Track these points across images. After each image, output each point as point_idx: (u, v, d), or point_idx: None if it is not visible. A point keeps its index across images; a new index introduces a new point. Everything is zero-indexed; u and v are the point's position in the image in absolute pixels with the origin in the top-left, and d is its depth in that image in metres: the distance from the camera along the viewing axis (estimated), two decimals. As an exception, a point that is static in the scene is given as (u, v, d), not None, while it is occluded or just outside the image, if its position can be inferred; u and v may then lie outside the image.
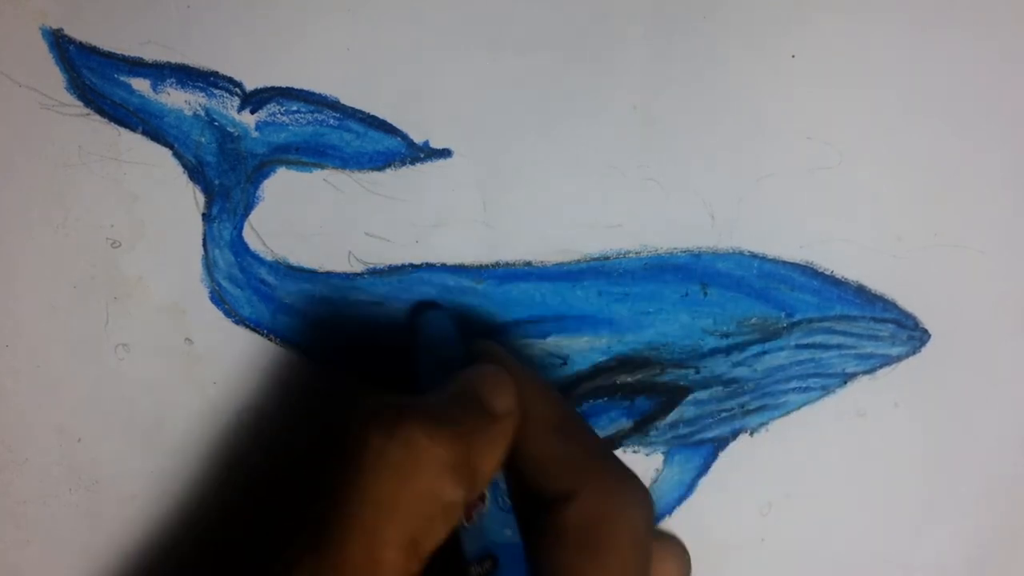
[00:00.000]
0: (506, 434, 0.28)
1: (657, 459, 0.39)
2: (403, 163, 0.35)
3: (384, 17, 0.34)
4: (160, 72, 0.33)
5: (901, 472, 0.40)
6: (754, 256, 0.37)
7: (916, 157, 0.36)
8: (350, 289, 0.36)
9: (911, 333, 0.38)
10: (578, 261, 0.36)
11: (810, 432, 0.39)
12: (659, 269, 0.37)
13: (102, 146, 0.34)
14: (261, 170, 0.35)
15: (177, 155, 0.34)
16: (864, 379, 0.39)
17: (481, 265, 0.36)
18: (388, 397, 0.27)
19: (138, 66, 0.33)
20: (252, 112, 0.34)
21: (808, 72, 0.35)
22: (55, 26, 0.32)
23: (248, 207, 0.35)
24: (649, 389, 0.38)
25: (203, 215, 0.35)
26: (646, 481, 0.39)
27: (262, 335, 0.36)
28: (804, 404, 0.39)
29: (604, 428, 0.38)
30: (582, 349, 0.37)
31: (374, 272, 0.36)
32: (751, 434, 0.39)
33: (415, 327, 0.35)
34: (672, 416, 0.38)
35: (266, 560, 0.26)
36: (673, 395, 0.38)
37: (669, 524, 0.40)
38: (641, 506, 0.29)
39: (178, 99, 0.34)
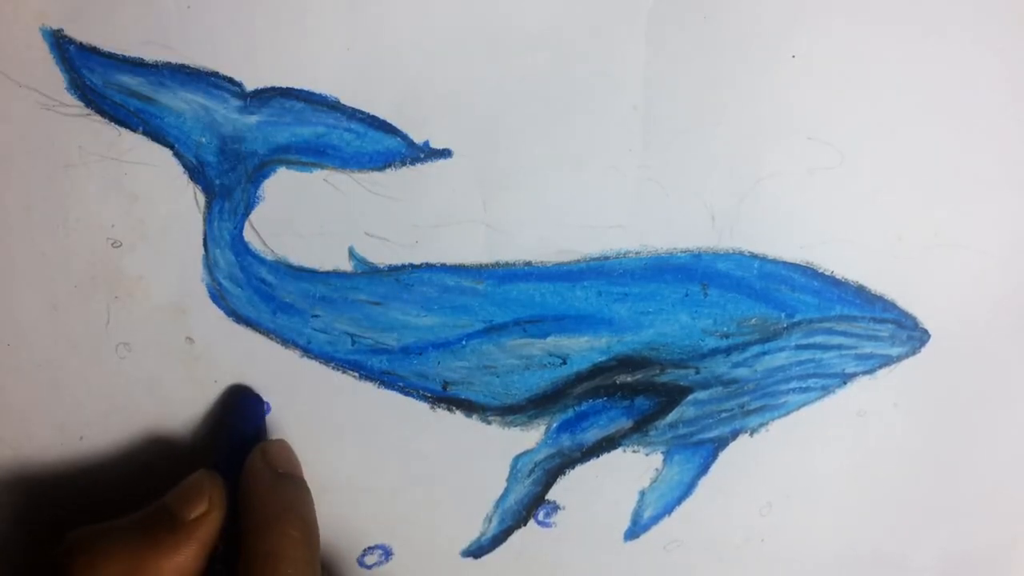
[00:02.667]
0: (195, 537, 0.32)
1: (657, 459, 0.39)
2: (403, 163, 0.35)
3: (384, 17, 0.34)
4: (160, 72, 0.33)
5: (901, 472, 0.40)
6: (754, 256, 0.37)
7: (916, 157, 0.36)
8: (350, 289, 0.36)
9: (911, 333, 0.38)
10: (578, 261, 0.36)
11: (810, 432, 0.39)
12: (659, 269, 0.37)
13: (102, 146, 0.34)
14: (261, 170, 0.35)
15: (178, 155, 0.34)
16: (864, 379, 0.39)
17: (481, 265, 0.36)
18: (88, 529, 0.32)
19: (138, 66, 0.33)
20: (252, 112, 0.34)
21: (808, 72, 0.35)
22: (55, 26, 0.32)
23: (248, 207, 0.35)
24: (649, 389, 0.38)
25: (204, 215, 0.35)
26: (646, 481, 0.39)
27: (262, 335, 0.36)
28: (804, 404, 0.39)
29: (604, 428, 0.38)
30: (582, 349, 0.37)
31: (374, 272, 0.36)
32: (751, 434, 0.39)
33: (228, 405, 0.37)
34: (672, 416, 0.38)
35: None
36: (673, 395, 0.38)
37: (669, 524, 0.40)
38: None
39: (178, 99, 0.34)
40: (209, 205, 0.35)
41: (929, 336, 0.38)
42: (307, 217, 0.35)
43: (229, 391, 0.37)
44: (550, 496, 0.39)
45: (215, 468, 0.35)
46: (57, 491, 0.37)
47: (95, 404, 0.36)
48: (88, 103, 0.33)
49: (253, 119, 0.34)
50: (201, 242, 0.35)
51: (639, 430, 0.39)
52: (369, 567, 0.40)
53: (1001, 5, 0.35)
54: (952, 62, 0.35)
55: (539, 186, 0.36)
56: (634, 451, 0.39)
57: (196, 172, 0.34)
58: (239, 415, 0.37)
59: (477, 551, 0.40)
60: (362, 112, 0.34)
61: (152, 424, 0.37)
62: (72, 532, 0.32)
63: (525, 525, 0.40)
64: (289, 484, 0.35)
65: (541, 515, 0.40)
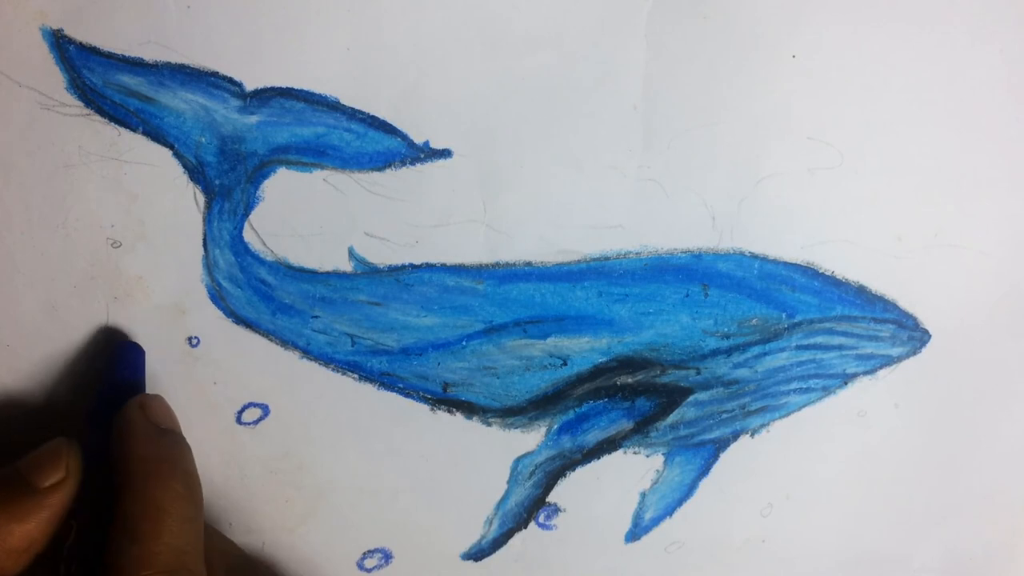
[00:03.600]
0: (47, 504, 0.30)
1: (658, 460, 0.39)
2: (403, 163, 0.35)
3: (384, 17, 0.34)
4: (160, 72, 0.33)
5: (901, 472, 0.40)
6: (755, 257, 0.37)
7: (916, 157, 0.36)
8: (350, 289, 0.36)
9: (911, 333, 0.38)
10: (578, 261, 0.36)
11: (811, 433, 0.39)
12: (659, 269, 0.37)
13: (102, 146, 0.34)
14: (261, 170, 0.35)
15: (177, 155, 0.34)
16: (865, 380, 0.39)
17: (481, 265, 0.36)
18: None
19: (138, 66, 0.33)
20: (252, 112, 0.34)
21: (808, 72, 0.35)
22: (55, 26, 0.32)
23: (248, 207, 0.35)
24: (650, 390, 0.38)
25: (203, 215, 0.35)
26: (647, 483, 0.39)
27: (262, 335, 0.36)
28: (805, 405, 0.39)
29: (605, 429, 0.38)
30: (582, 350, 0.37)
31: (374, 272, 0.36)
32: (752, 435, 0.39)
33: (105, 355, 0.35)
34: (673, 417, 0.38)
35: None
36: (674, 396, 0.38)
37: (670, 525, 0.40)
38: None
39: (178, 99, 0.34)
40: (209, 205, 0.35)
41: (930, 336, 0.38)
42: (307, 217, 0.35)
43: (109, 343, 0.35)
44: (551, 498, 0.39)
45: (86, 418, 0.33)
46: None
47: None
48: (88, 103, 0.33)
49: (253, 119, 0.34)
50: (201, 242, 0.35)
51: (640, 431, 0.39)
52: (369, 570, 0.40)
53: (1001, 5, 0.35)
54: (952, 62, 0.35)
55: (539, 186, 0.36)
56: (635, 452, 0.39)
57: (196, 172, 0.34)
58: (116, 364, 0.35)
59: (477, 554, 0.40)
60: (362, 112, 0.34)
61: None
62: None
63: (526, 527, 0.40)
64: (171, 439, 0.33)
65: (542, 517, 0.40)
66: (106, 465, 0.32)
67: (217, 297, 0.36)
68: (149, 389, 0.36)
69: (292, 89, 0.34)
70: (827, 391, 0.39)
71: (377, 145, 0.35)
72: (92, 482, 0.31)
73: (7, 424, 0.36)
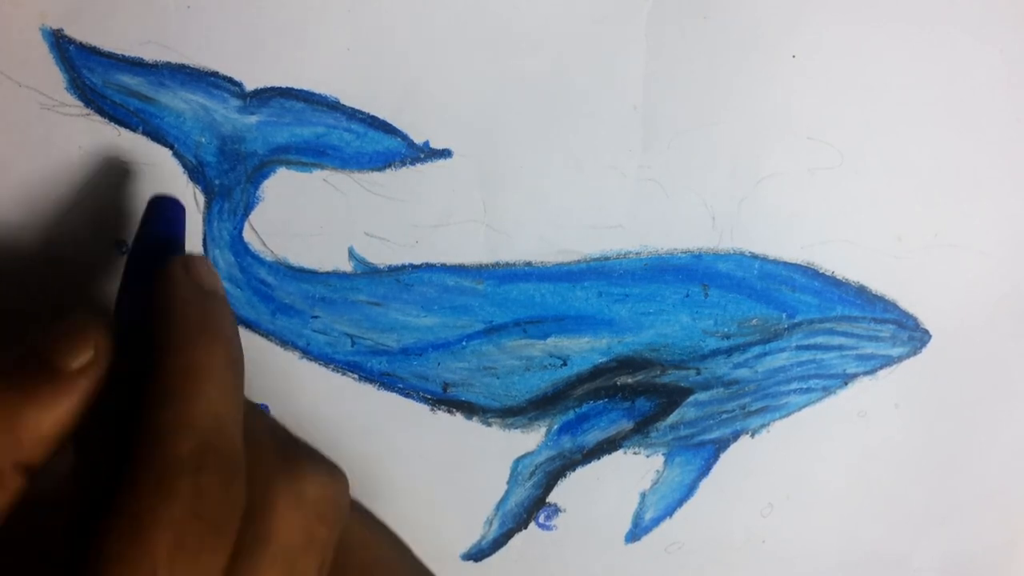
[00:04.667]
0: (79, 388, 0.26)
1: (658, 460, 0.39)
2: (403, 163, 0.35)
3: (384, 17, 0.34)
4: (160, 72, 0.33)
5: (901, 472, 0.40)
6: (755, 257, 0.37)
7: (916, 157, 0.36)
8: (350, 290, 0.36)
9: (912, 333, 0.38)
10: (578, 261, 0.36)
11: (811, 433, 0.39)
12: (660, 270, 0.37)
13: (102, 146, 0.34)
14: (261, 170, 0.35)
15: (177, 155, 0.34)
16: (865, 380, 0.39)
17: (481, 265, 0.36)
18: None
19: (138, 66, 0.33)
20: (252, 112, 0.34)
21: (808, 72, 0.35)
22: (55, 26, 0.32)
23: (248, 207, 0.35)
24: (650, 390, 0.38)
25: (203, 215, 0.35)
26: (647, 483, 0.39)
27: (262, 335, 0.36)
28: (805, 405, 0.39)
29: (605, 429, 0.38)
30: (582, 350, 0.37)
31: (374, 272, 0.36)
32: (752, 435, 0.39)
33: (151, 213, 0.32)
34: (673, 417, 0.38)
35: None
36: (674, 396, 0.38)
37: (670, 525, 0.40)
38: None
39: (178, 99, 0.34)
40: (208, 205, 0.35)
41: (930, 336, 0.38)
42: (307, 217, 0.35)
43: (149, 201, 0.32)
44: (551, 498, 0.39)
45: (125, 279, 0.30)
46: None
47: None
48: (88, 103, 0.33)
49: (253, 119, 0.34)
50: (200, 242, 0.35)
51: (640, 431, 0.38)
52: (369, 570, 0.40)
53: (1001, 5, 0.35)
54: (952, 62, 0.35)
55: (539, 186, 0.36)
56: (635, 453, 0.39)
57: (196, 172, 0.34)
58: (156, 219, 0.31)
59: (477, 554, 0.40)
60: (362, 112, 0.34)
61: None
62: None
63: (526, 528, 0.40)
64: (215, 301, 0.29)
65: (542, 518, 0.40)
66: (141, 327, 0.28)
67: (217, 297, 0.36)
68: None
69: (292, 89, 0.34)
70: (827, 391, 0.39)
71: (377, 145, 0.35)
72: (125, 347, 0.28)
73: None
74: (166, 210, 0.31)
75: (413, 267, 0.36)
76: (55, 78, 0.33)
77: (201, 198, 0.35)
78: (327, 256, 0.36)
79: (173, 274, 0.29)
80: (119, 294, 0.29)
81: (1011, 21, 0.35)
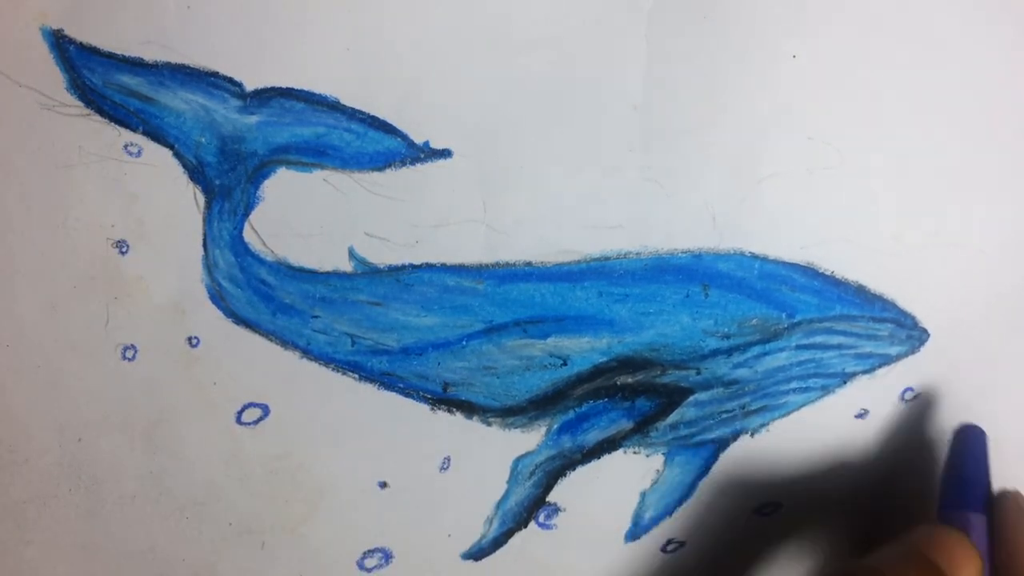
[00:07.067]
0: None
1: (658, 460, 0.39)
2: (403, 163, 0.35)
3: (384, 17, 0.34)
4: (160, 72, 0.33)
5: (901, 472, 0.40)
6: (755, 257, 0.37)
7: (916, 157, 0.36)
8: (350, 290, 0.36)
9: (910, 332, 0.38)
10: (578, 261, 0.36)
11: (810, 432, 0.39)
12: (660, 270, 0.37)
13: (102, 146, 0.34)
14: (261, 170, 0.35)
15: (177, 155, 0.34)
16: (864, 379, 0.39)
17: (481, 265, 0.36)
18: (854, 562, 0.31)
19: (138, 66, 0.33)
20: (252, 112, 0.34)
21: (808, 72, 0.35)
22: (55, 26, 0.32)
23: (248, 207, 0.35)
24: (650, 390, 0.38)
25: (203, 215, 0.35)
26: (647, 482, 0.39)
27: (262, 335, 0.36)
28: (804, 404, 0.39)
29: (605, 429, 0.38)
30: (582, 350, 0.37)
31: (374, 272, 0.36)
32: (752, 435, 0.39)
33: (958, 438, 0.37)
34: (673, 417, 0.38)
35: None
36: (674, 396, 0.38)
37: (669, 525, 0.40)
38: None
39: (178, 99, 0.34)
40: (209, 205, 0.35)
41: (928, 335, 0.38)
42: (307, 217, 0.35)
43: (957, 431, 0.37)
44: (551, 498, 0.39)
45: (951, 507, 0.34)
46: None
47: (94, 405, 0.36)
48: (88, 103, 0.33)
49: (253, 119, 0.34)
50: (201, 242, 0.35)
51: (640, 431, 0.39)
52: (369, 570, 0.40)
53: (1001, 5, 0.35)
54: (952, 62, 0.35)
55: (539, 186, 0.36)
56: (635, 452, 0.39)
57: (196, 172, 0.34)
58: (977, 449, 0.36)
59: (477, 553, 0.40)
60: (362, 112, 0.34)
61: (151, 425, 0.37)
62: (843, 562, 0.32)
63: (526, 527, 0.40)
64: None
65: (542, 517, 0.40)
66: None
67: (217, 297, 0.36)
68: (149, 390, 0.36)
69: (292, 89, 0.34)
70: (826, 390, 0.39)
71: (377, 145, 0.35)
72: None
73: (7, 423, 0.36)
74: (976, 444, 0.37)
75: (413, 267, 0.36)
76: (55, 78, 0.33)
77: (201, 198, 0.35)
78: (327, 256, 0.36)
79: (1012, 504, 0.34)
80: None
81: (1011, 21, 0.35)
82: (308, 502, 0.38)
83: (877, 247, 0.37)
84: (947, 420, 0.39)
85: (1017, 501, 0.35)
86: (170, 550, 0.38)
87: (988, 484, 0.36)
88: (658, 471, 0.39)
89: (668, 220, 0.36)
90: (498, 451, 0.38)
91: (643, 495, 0.40)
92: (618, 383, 0.38)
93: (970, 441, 0.37)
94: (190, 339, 0.36)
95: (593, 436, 0.39)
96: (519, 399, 0.38)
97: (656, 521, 0.40)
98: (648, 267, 0.37)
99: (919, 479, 0.40)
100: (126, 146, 0.34)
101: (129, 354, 0.36)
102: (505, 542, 0.40)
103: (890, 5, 0.35)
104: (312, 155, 0.35)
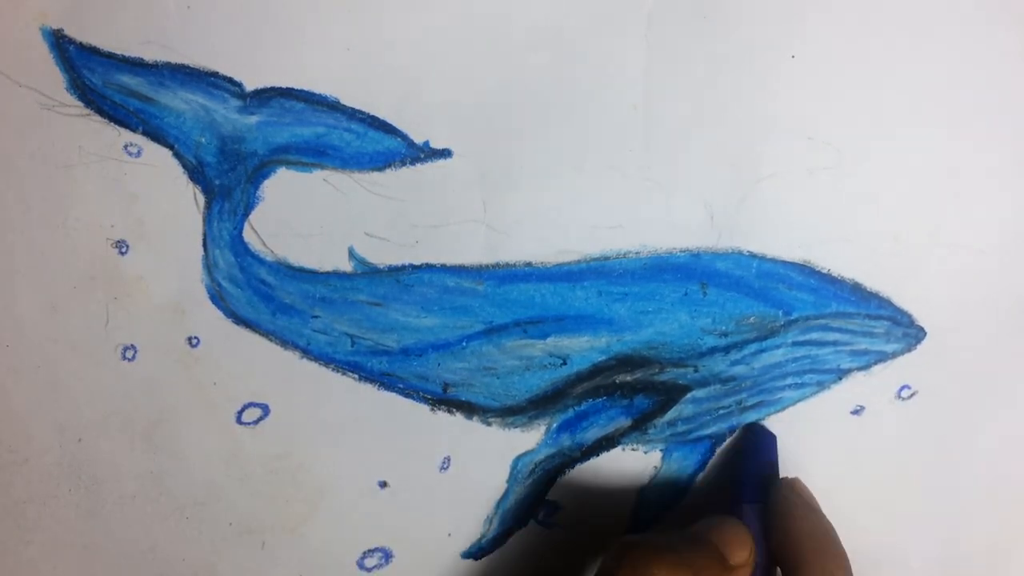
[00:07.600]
0: None
1: (655, 456, 0.39)
2: (403, 163, 0.35)
3: (384, 17, 0.34)
4: (160, 72, 0.33)
5: (896, 470, 0.40)
6: (753, 256, 0.37)
7: (915, 157, 0.36)
8: (350, 290, 0.36)
9: (906, 330, 0.38)
10: (578, 261, 0.36)
11: (806, 429, 0.39)
12: (658, 269, 0.37)
13: (102, 146, 0.33)
14: (261, 170, 0.35)
15: (177, 155, 0.34)
16: (860, 376, 0.39)
17: (481, 265, 0.36)
18: (635, 537, 0.33)
19: (138, 66, 0.33)
20: (252, 112, 0.34)
21: (808, 72, 0.35)
22: (55, 26, 0.32)
23: (248, 207, 0.35)
24: (648, 388, 0.38)
25: (203, 215, 0.35)
26: (645, 479, 0.39)
27: (262, 335, 0.36)
28: (799, 400, 0.39)
29: (603, 427, 0.38)
30: (582, 349, 0.37)
31: (374, 272, 0.36)
32: (749, 431, 0.39)
33: (744, 439, 0.39)
34: (670, 414, 0.39)
35: None
36: (672, 393, 0.38)
37: (667, 520, 0.40)
38: None
39: (178, 99, 0.33)
40: (209, 205, 0.35)
41: (925, 334, 0.38)
42: (307, 217, 0.35)
43: (744, 430, 0.39)
44: (550, 496, 0.39)
45: (735, 502, 0.37)
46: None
47: (94, 405, 0.36)
48: (88, 103, 0.33)
49: (253, 119, 0.34)
50: (201, 242, 0.35)
51: (638, 428, 0.39)
52: (369, 570, 0.40)
53: (1000, 5, 0.35)
54: (952, 62, 0.35)
55: (539, 186, 0.36)
56: (633, 449, 0.39)
57: (196, 172, 0.34)
58: (758, 448, 0.38)
59: (477, 553, 0.40)
60: (362, 112, 0.34)
61: (151, 425, 0.37)
62: (623, 538, 0.33)
63: (526, 526, 0.40)
64: (820, 516, 0.36)
65: (541, 515, 0.40)
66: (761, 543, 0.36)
67: (217, 297, 0.36)
68: (149, 391, 0.36)
69: (292, 89, 0.34)
70: (821, 386, 0.39)
71: (377, 145, 0.35)
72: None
73: (7, 423, 0.36)
74: (765, 440, 0.39)
75: (413, 267, 0.36)
76: (55, 78, 0.33)
77: (201, 198, 0.35)
78: (327, 256, 0.36)
79: (786, 499, 0.36)
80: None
81: (1011, 21, 0.35)
82: (308, 502, 0.38)
83: (876, 246, 0.37)
84: (945, 419, 0.39)
85: (789, 489, 0.37)
86: (170, 550, 0.38)
87: (766, 478, 0.38)
88: (656, 467, 0.39)
89: (667, 219, 0.36)
90: (498, 451, 0.38)
91: (641, 491, 0.40)
92: (617, 381, 0.38)
93: (747, 441, 0.39)
94: (190, 339, 0.36)
95: (592, 434, 0.39)
96: (519, 399, 0.38)
97: (655, 517, 0.40)
98: (647, 266, 0.37)
99: (914, 476, 0.40)
100: (126, 146, 0.34)
101: (129, 354, 0.36)
102: (505, 541, 0.40)
103: (890, 5, 0.35)
104: (312, 155, 0.35)
